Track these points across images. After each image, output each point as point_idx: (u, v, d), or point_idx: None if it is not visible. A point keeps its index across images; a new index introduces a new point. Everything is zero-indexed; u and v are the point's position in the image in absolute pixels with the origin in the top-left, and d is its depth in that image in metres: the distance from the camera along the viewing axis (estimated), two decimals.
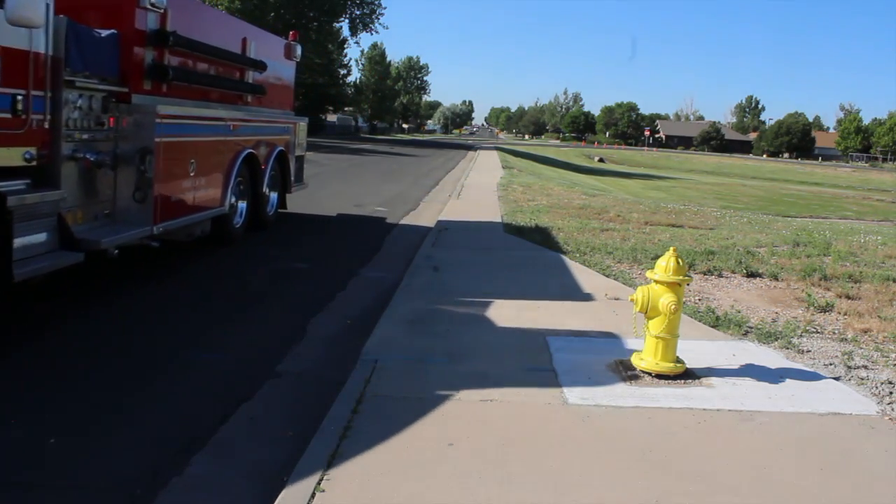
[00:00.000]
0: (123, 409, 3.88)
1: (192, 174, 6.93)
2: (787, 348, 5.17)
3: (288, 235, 9.57)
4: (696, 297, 6.60)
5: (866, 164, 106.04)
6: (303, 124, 10.95)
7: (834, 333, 5.63)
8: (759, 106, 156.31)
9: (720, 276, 7.62)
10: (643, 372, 4.46)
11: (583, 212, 12.93)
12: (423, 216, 12.38)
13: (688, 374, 4.48)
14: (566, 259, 8.20)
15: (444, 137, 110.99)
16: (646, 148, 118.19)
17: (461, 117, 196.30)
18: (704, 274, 7.64)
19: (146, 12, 6.18)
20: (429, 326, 5.33)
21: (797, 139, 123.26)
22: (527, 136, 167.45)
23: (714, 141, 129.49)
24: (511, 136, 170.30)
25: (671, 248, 4.50)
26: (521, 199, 15.15)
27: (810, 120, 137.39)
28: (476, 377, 4.31)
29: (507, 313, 5.75)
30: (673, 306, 4.32)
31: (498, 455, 3.36)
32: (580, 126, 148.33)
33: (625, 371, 4.52)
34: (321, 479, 3.04)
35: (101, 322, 5.36)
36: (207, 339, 5.15)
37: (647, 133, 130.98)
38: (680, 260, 4.41)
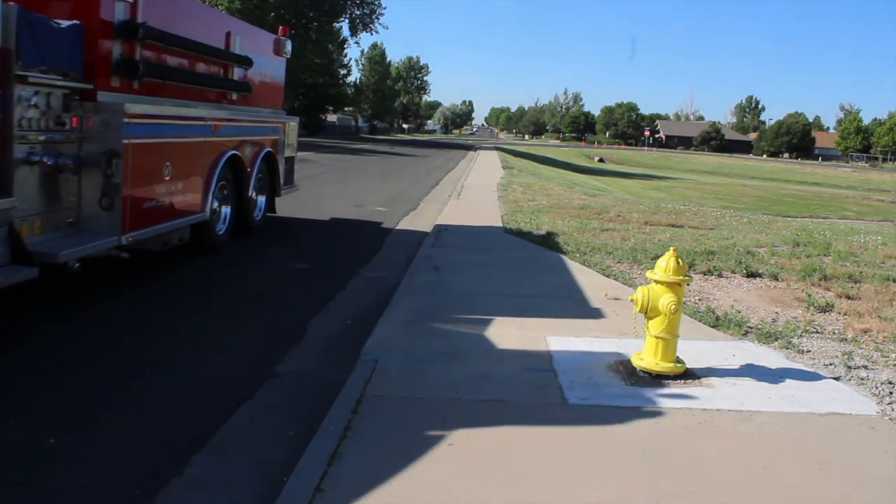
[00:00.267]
0: (123, 409, 3.88)
1: (166, 178, 6.45)
2: (787, 348, 5.17)
3: (288, 236, 9.58)
4: (696, 297, 6.60)
5: (866, 165, 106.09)
6: (293, 124, 10.42)
7: (834, 333, 5.63)
8: (759, 106, 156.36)
9: (720, 276, 7.62)
10: (643, 372, 4.46)
11: (583, 212, 12.93)
12: (424, 216, 12.38)
13: (688, 374, 4.48)
14: (566, 259, 8.20)
15: (444, 137, 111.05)
16: (646, 148, 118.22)
17: (461, 117, 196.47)
18: (704, 274, 7.64)
19: (113, 2, 5.69)
20: (429, 326, 5.33)
21: (797, 139, 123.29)
22: (527, 137, 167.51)
23: (714, 141, 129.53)
24: (511, 137, 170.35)
25: (671, 249, 4.50)
26: (521, 199, 15.15)
27: (810, 120, 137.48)
28: (476, 377, 4.31)
29: (507, 313, 5.75)
30: (673, 306, 4.32)
31: (498, 455, 3.36)
32: (580, 126, 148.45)
33: (625, 371, 4.52)
34: (321, 479, 3.04)
35: (101, 322, 5.35)
36: (208, 339, 5.15)
37: (647, 133, 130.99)
38: (680, 260, 4.41)
